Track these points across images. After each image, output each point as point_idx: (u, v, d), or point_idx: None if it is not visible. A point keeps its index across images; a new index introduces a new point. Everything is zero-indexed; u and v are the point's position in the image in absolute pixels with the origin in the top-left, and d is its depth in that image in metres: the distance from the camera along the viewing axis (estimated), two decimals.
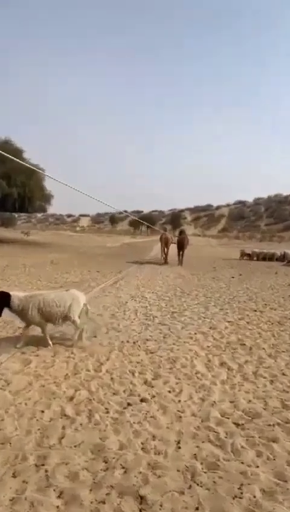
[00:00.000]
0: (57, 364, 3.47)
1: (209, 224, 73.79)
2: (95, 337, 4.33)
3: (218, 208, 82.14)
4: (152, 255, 19.37)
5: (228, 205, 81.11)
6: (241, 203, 78.82)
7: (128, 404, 2.82)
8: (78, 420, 2.59)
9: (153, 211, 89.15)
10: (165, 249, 14.85)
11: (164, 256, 14.91)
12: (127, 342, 4.17)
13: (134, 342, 4.15)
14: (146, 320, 5.11)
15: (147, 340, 4.26)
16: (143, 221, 14.20)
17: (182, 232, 15.48)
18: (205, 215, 79.74)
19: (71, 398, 2.88)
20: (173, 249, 15.63)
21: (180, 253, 14.56)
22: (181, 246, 14.46)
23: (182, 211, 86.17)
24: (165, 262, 14.57)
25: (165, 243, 14.72)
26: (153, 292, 7.33)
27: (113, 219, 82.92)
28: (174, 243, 15.50)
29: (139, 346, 4.05)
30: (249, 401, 2.91)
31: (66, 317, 3.79)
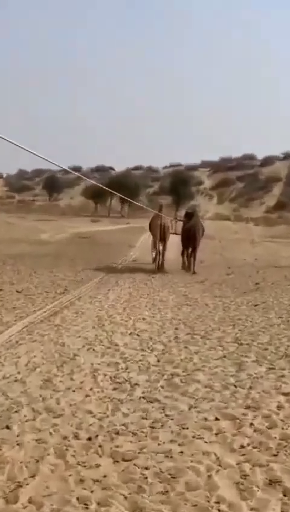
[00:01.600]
0: None
1: (248, 196, 74.28)
2: (8, 428, 4.28)
3: (266, 162, 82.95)
4: (133, 256, 19.64)
5: (286, 156, 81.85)
6: None
7: None
8: None
9: (133, 168, 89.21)
10: (160, 245, 15.32)
11: (158, 258, 15.37)
12: (76, 437, 4.12)
13: (89, 438, 4.10)
14: (116, 391, 5.17)
15: (118, 433, 4.22)
16: (112, 191, 13.92)
17: (191, 214, 16.06)
18: (240, 178, 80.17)
19: None
20: (174, 244, 15.94)
21: (189, 252, 15.25)
22: (191, 239, 15.11)
23: (194, 168, 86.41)
24: (159, 268, 15.12)
25: (160, 233, 15.20)
26: (132, 333, 7.52)
27: (53, 184, 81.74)
28: (176, 233, 16.17)
29: (101, 446, 4.02)
30: None
31: None
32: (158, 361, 6.23)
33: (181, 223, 16.66)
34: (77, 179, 75.13)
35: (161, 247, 15.39)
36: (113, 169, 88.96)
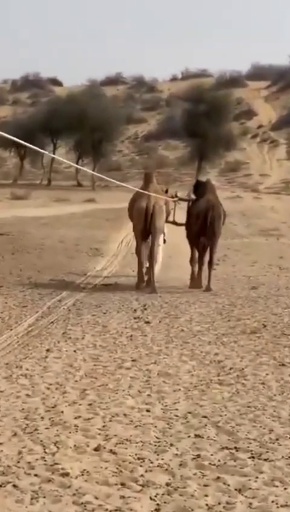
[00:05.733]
0: None
1: None
2: None
3: None
4: (104, 275, 13.92)
5: None
6: None
7: None
8: None
9: (105, 82, 56.52)
10: (145, 239, 12.36)
11: (143, 264, 12.38)
12: None
13: None
14: None
15: None
16: (25, 144, 6.99)
17: (203, 186, 12.89)
18: None
19: None
20: (174, 235, 12.75)
21: (204, 251, 12.23)
22: (206, 229, 12.12)
23: (235, 80, 52.59)
24: (147, 281, 12.08)
25: (146, 224, 12.07)
26: (99, 447, 5.06)
27: None
28: (177, 223, 12.93)
29: None
30: None
31: None
32: (158, 509, 4.13)
33: (184, 201, 12.52)
34: None
35: (150, 246, 11.25)
36: (60, 84, 57.58)
